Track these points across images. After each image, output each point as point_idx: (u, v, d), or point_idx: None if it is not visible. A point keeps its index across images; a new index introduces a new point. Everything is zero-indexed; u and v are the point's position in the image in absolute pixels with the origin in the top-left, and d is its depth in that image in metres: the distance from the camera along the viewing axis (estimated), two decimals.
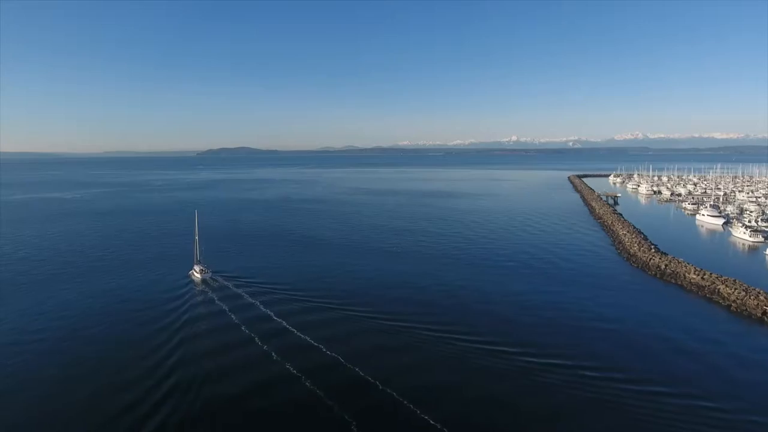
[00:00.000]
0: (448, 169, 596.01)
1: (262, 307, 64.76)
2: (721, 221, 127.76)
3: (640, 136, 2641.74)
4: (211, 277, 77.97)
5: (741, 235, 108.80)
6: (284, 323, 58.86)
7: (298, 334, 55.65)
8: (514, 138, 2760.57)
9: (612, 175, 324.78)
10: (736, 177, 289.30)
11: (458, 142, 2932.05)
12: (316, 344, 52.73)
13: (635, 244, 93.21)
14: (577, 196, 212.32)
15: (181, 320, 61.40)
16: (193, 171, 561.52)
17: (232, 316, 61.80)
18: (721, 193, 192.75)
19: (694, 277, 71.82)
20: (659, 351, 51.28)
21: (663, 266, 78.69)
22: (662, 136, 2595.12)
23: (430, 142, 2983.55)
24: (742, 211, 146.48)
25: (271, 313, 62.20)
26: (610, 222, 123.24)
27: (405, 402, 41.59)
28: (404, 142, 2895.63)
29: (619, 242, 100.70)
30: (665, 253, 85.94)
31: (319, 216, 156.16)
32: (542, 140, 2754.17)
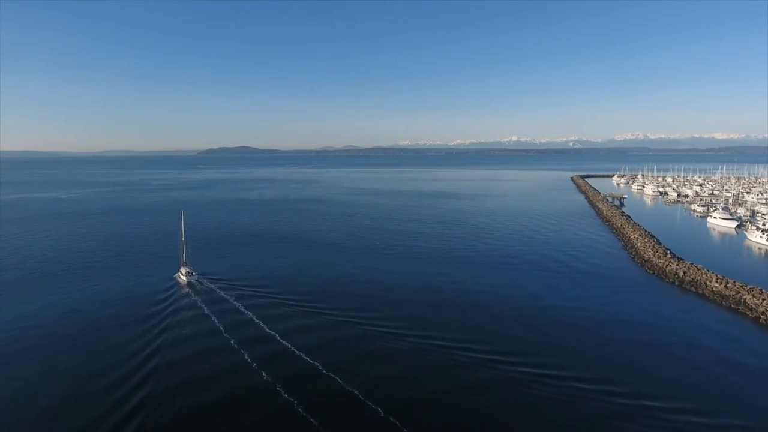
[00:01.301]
0: (449, 169, 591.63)
1: (247, 311, 61.49)
2: (734, 224, 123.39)
3: (641, 136, 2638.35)
4: (197, 280, 74.74)
5: (757, 239, 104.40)
6: (268, 329, 55.55)
7: (282, 341, 52.28)
8: (514, 138, 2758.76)
9: (616, 176, 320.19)
10: (741, 178, 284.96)
11: (458, 142, 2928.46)
12: (299, 353, 49.31)
13: (649, 249, 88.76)
14: (581, 197, 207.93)
15: (161, 325, 58.28)
16: (192, 170, 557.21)
17: (215, 321, 58.70)
18: (730, 195, 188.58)
19: (717, 285, 67.40)
20: (687, 366, 47.12)
21: (681, 273, 74.27)
22: (662, 136, 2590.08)
23: (431, 142, 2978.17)
24: (753, 213, 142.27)
25: (256, 318, 58.87)
26: (619, 225, 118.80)
27: (391, 418, 38.08)
28: (404, 142, 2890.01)
29: (632, 246, 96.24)
30: (682, 259, 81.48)
31: (316, 217, 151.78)
32: (542, 140, 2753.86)
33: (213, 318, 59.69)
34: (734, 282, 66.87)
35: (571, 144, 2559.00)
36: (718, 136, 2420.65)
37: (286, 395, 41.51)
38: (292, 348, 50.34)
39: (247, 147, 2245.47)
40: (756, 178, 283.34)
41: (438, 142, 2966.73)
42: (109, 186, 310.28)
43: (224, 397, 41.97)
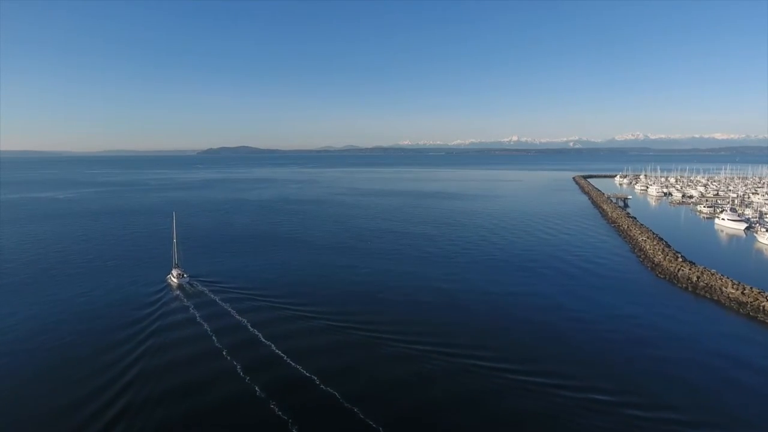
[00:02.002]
0: (450, 169, 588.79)
1: (239, 316, 58.73)
2: (743, 226, 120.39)
3: (641, 136, 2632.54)
4: (188, 282, 72.20)
5: None
6: (262, 336, 52.78)
7: (277, 350, 49.47)
8: (514, 138, 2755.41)
9: (618, 176, 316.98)
10: (745, 178, 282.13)
11: (459, 141, 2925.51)
12: (295, 364, 46.22)
13: (659, 253, 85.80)
14: (584, 197, 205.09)
15: (149, 329, 55.71)
16: (192, 170, 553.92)
17: (205, 326, 56.12)
18: (735, 196, 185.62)
19: (733, 291, 64.46)
20: (712, 376, 44.45)
21: (695, 278, 71.31)
22: (663, 136, 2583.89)
23: (431, 142, 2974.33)
24: (761, 215, 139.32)
25: (249, 324, 56.11)
26: (626, 226, 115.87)
27: None
28: (405, 142, 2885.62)
29: (640, 249, 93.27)
30: (694, 263, 78.45)
31: (315, 218, 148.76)
32: (543, 140, 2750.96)
33: (203, 322, 57.07)
34: (751, 288, 63.90)
35: (571, 144, 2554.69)
36: (719, 136, 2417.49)
37: (280, 412, 38.58)
38: (288, 359, 47.30)
39: (247, 147, 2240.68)
40: (759, 178, 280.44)
41: (438, 142, 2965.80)
42: (107, 186, 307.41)
43: (210, 408, 39.36)
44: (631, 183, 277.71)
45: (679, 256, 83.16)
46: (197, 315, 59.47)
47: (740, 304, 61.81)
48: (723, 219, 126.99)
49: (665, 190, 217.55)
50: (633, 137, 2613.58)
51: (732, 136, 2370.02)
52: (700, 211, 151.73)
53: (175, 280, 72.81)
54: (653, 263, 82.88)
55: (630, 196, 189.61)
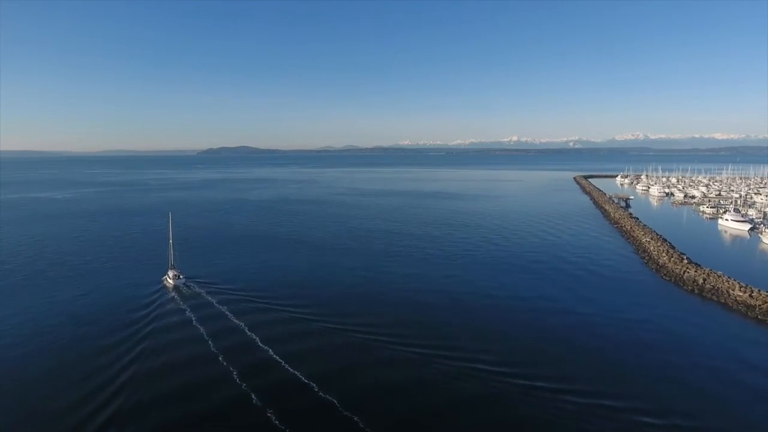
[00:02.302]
0: (450, 169, 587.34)
1: (234, 318, 57.73)
2: (747, 227, 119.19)
3: (641, 136, 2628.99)
4: (184, 284, 71.18)
5: None
6: (259, 340, 51.77)
7: (271, 352, 48.62)
8: (514, 138, 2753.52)
9: (619, 176, 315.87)
10: (747, 178, 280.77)
11: (459, 141, 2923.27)
12: (293, 370, 44.94)
13: (663, 254, 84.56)
14: (586, 197, 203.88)
15: (143, 332, 54.82)
16: (192, 170, 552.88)
17: (200, 328, 55.20)
18: (738, 196, 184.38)
19: (741, 294, 63.23)
20: (714, 386, 43.04)
21: (701, 281, 70.09)
22: (663, 136, 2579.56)
23: (431, 142, 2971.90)
24: (765, 215, 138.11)
25: (247, 328, 55.01)
26: (629, 227, 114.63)
27: None
28: (405, 142, 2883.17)
29: (644, 251, 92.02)
30: (699, 265, 77.22)
31: (314, 218, 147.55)
32: (543, 140, 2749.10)
33: (198, 325, 56.15)
34: (759, 291, 62.65)
35: (571, 144, 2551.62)
36: (719, 136, 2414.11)
37: (277, 421, 37.37)
38: (286, 364, 46.09)
39: (247, 147, 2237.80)
40: (761, 178, 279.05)
41: (438, 142, 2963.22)
42: (106, 186, 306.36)
43: (205, 414, 38.43)
44: (632, 183, 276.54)
45: (685, 257, 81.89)
46: (193, 317, 58.43)
47: (748, 307, 60.58)
48: (727, 219, 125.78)
49: (667, 191, 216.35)
50: (633, 137, 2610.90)
51: (732, 136, 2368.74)
52: (703, 212, 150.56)
53: (170, 281, 71.78)
54: (658, 265, 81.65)
55: (632, 197, 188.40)
